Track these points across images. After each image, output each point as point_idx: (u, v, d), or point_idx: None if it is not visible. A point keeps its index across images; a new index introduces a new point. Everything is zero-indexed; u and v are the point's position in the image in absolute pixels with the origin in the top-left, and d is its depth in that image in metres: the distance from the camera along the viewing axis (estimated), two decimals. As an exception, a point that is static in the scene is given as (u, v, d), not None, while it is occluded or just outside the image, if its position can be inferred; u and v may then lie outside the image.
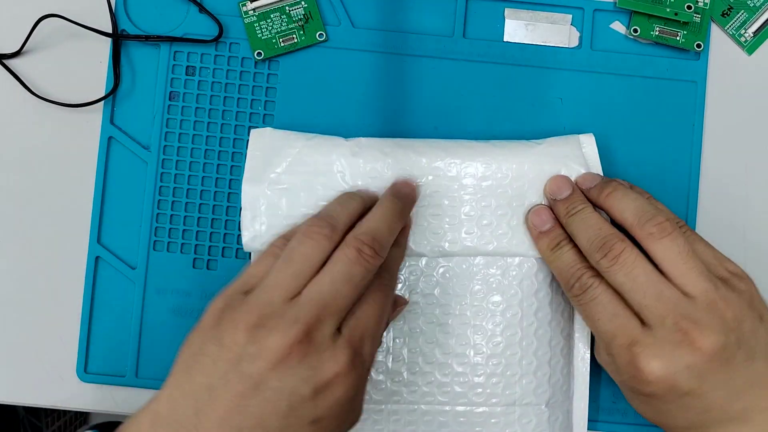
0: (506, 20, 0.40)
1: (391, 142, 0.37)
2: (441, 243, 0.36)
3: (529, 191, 0.36)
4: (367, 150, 0.37)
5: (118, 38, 0.40)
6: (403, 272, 0.37)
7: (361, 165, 0.36)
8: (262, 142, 0.37)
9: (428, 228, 0.36)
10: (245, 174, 0.36)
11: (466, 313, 0.37)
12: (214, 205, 0.40)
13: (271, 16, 0.40)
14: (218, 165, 0.40)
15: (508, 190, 0.36)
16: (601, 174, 0.37)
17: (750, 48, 0.41)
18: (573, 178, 0.36)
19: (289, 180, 0.36)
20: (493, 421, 0.37)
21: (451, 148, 0.37)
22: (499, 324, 0.37)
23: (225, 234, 0.39)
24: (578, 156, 0.37)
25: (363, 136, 0.38)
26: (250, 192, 0.36)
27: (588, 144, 0.38)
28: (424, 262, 0.37)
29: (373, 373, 0.37)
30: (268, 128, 0.38)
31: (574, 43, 0.40)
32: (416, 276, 0.37)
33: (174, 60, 0.40)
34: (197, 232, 0.39)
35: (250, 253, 0.37)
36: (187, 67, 0.40)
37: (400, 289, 0.37)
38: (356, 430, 0.36)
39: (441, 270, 0.37)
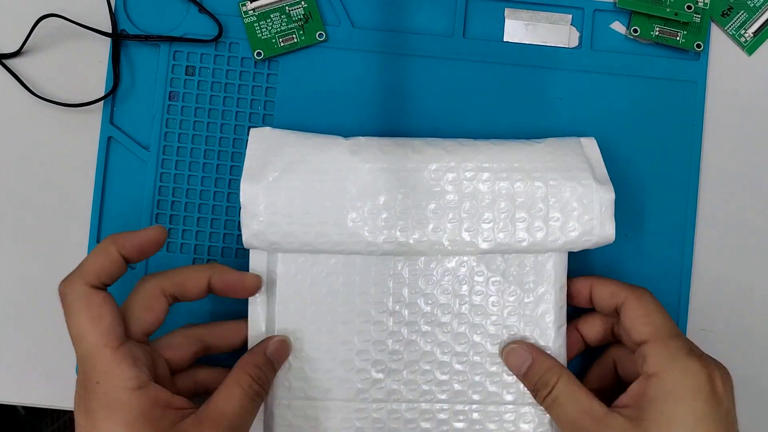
0: (506, 20, 0.40)
1: (390, 141, 0.37)
2: (441, 241, 0.36)
3: (529, 187, 0.36)
4: (366, 148, 0.37)
5: (118, 38, 0.40)
6: (403, 271, 0.37)
7: (360, 163, 0.36)
8: (260, 141, 0.37)
9: (428, 226, 0.36)
10: (244, 173, 0.36)
11: (466, 312, 0.37)
12: (213, 205, 0.40)
13: (271, 15, 0.40)
14: (218, 165, 0.40)
15: (508, 187, 0.36)
16: (605, 173, 0.37)
17: (750, 48, 0.41)
18: (571, 175, 0.36)
19: (287, 178, 0.36)
20: (492, 419, 0.37)
21: (450, 147, 0.37)
22: (499, 323, 0.37)
23: (225, 234, 0.39)
24: (579, 154, 0.37)
25: (363, 136, 0.38)
26: (248, 191, 0.36)
27: (589, 146, 0.38)
28: (423, 261, 0.37)
29: (373, 372, 0.37)
30: (267, 127, 0.38)
31: (574, 43, 0.40)
32: (415, 275, 0.37)
33: (174, 60, 0.40)
34: (197, 232, 0.39)
35: (249, 251, 0.37)
36: (187, 66, 0.40)
37: (400, 289, 0.37)
38: (358, 429, 0.37)
39: (440, 269, 0.37)
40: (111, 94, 0.40)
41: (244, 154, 0.37)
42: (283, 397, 0.37)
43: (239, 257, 0.39)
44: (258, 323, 0.37)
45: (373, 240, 0.36)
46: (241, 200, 0.36)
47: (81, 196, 0.40)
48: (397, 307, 0.37)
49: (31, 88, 0.40)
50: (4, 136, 0.40)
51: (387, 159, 0.36)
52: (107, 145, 0.40)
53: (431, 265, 0.37)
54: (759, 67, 0.41)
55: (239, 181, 0.39)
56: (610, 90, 0.40)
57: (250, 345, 0.37)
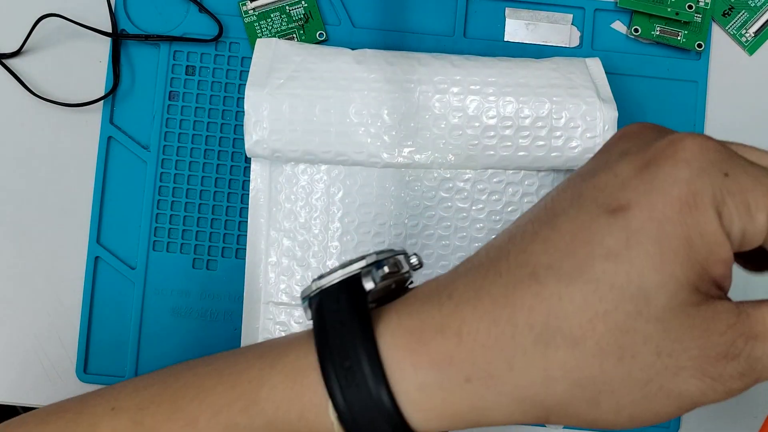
0: (507, 20, 0.40)
1: (396, 53, 0.37)
2: (446, 155, 0.36)
3: (534, 103, 0.36)
4: (372, 59, 0.37)
5: (118, 38, 0.40)
6: (404, 183, 0.37)
7: (365, 73, 0.36)
8: (266, 50, 0.37)
9: (432, 140, 0.36)
10: (249, 79, 0.36)
11: (465, 226, 0.37)
12: (213, 205, 0.39)
13: (271, 15, 0.40)
14: (218, 165, 0.40)
15: (512, 102, 0.36)
16: (610, 93, 0.37)
17: (751, 48, 0.41)
18: (575, 92, 0.36)
19: (291, 86, 0.36)
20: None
21: (456, 60, 0.37)
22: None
23: (225, 234, 0.39)
24: (584, 73, 0.37)
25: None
26: (253, 96, 0.36)
27: (594, 66, 0.38)
28: (424, 174, 0.37)
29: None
30: (274, 38, 0.38)
31: (575, 42, 0.40)
32: (417, 188, 0.37)
33: (174, 59, 0.40)
34: (197, 232, 0.39)
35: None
36: (187, 66, 0.40)
37: (401, 201, 0.37)
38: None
39: (448, 185, 0.37)
40: (111, 94, 0.40)
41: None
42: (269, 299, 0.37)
43: (239, 257, 0.39)
44: (259, 232, 0.37)
45: (375, 151, 0.36)
46: (245, 107, 0.35)
47: (81, 196, 0.40)
48: (397, 220, 0.37)
49: (31, 88, 0.40)
50: (4, 136, 0.40)
51: (392, 70, 0.36)
52: (107, 145, 0.40)
53: (434, 175, 0.37)
54: (760, 66, 0.41)
55: (239, 181, 0.39)
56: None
57: (248, 257, 0.37)
